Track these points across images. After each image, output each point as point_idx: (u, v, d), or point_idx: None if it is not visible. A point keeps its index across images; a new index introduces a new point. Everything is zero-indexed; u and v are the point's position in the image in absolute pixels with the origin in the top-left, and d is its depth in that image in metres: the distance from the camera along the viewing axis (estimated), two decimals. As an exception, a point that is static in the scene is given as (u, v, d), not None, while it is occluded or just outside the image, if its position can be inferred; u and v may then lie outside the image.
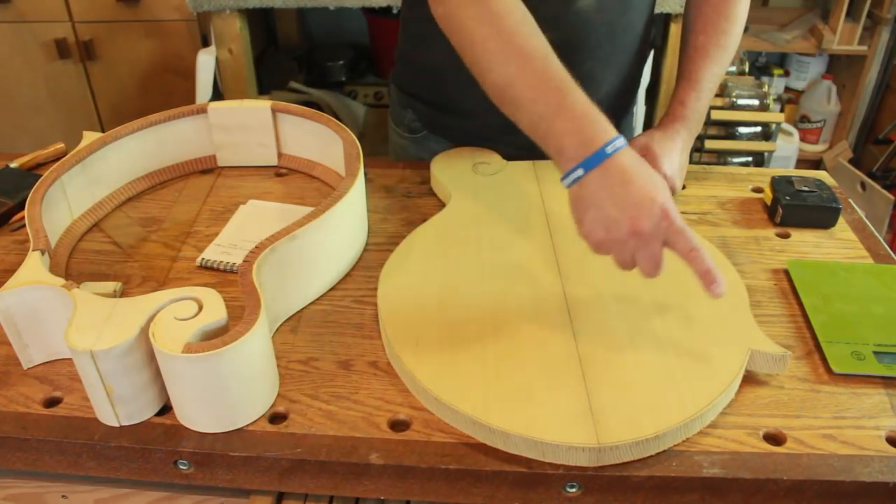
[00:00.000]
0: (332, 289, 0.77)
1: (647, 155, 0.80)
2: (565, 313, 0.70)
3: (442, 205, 0.89)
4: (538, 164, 0.93)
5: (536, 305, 0.71)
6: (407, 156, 1.07)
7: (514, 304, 0.71)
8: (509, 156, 0.95)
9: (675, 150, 0.83)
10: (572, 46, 0.88)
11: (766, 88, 1.91)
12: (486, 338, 0.67)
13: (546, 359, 0.65)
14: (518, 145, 0.86)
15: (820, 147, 2.41)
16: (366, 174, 0.90)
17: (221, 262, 0.79)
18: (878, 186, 2.09)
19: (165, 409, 0.63)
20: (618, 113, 1.02)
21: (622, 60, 0.95)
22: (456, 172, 0.91)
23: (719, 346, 0.66)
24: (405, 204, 0.91)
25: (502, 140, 0.92)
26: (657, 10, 1.70)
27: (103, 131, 0.87)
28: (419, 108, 1.03)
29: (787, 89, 2.42)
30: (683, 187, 0.94)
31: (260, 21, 2.16)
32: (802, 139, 2.38)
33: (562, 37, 0.82)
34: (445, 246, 0.79)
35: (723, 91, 1.94)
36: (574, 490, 0.59)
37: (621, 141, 0.62)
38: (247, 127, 0.93)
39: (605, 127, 0.63)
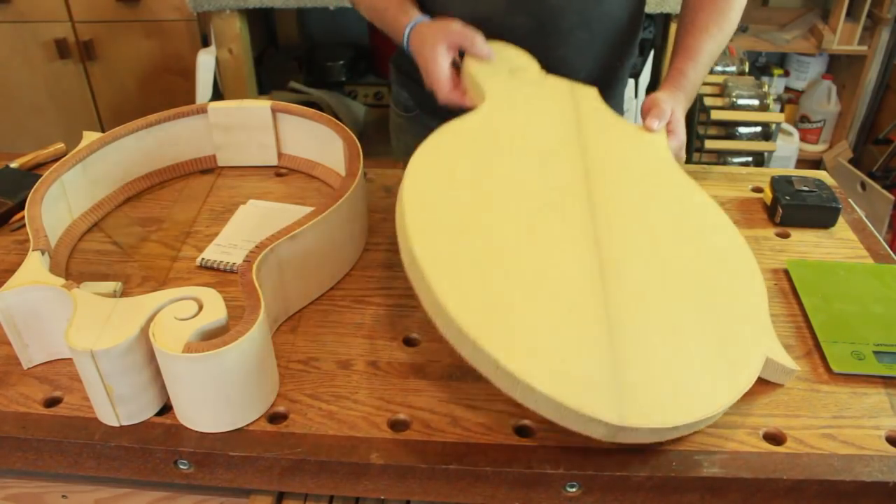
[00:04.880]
0: (332, 289, 0.77)
1: (661, 111, 0.83)
2: (597, 260, 0.65)
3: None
4: (576, 88, 0.87)
5: (569, 245, 0.66)
6: (403, 133, 1.14)
7: (546, 238, 0.65)
8: None
9: (680, 112, 0.86)
10: (545, 32, 0.91)
11: (766, 88, 1.91)
12: (515, 267, 0.61)
13: (575, 310, 0.60)
14: None
15: (820, 147, 2.41)
16: (366, 174, 0.90)
17: (221, 262, 0.79)
18: (878, 186, 2.09)
19: (165, 409, 0.63)
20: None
21: (601, 50, 0.96)
22: (492, 72, 0.85)
23: (739, 344, 0.63)
24: (405, 204, 0.91)
25: None
26: (657, 10, 1.70)
27: (103, 131, 0.87)
28: (412, 87, 1.08)
29: (787, 89, 2.42)
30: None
31: (260, 21, 2.16)
32: (802, 139, 2.38)
33: (533, 23, 0.87)
34: (478, 154, 0.72)
35: (723, 91, 1.94)
36: (574, 490, 0.59)
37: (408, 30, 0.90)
38: (247, 127, 0.93)
39: (401, 22, 0.91)
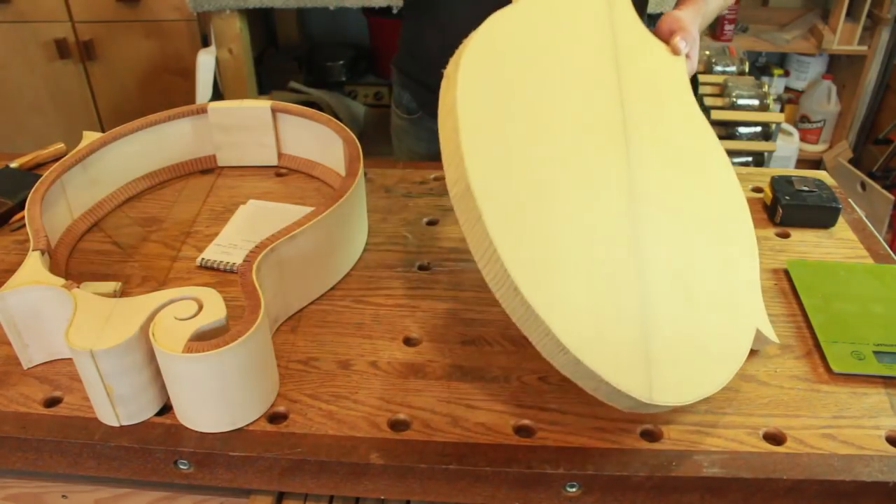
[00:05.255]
0: (332, 289, 0.77)
1: (690, 34, 0.80)
2: (630, 207, 0.62)
3: None
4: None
5: (605, 183, 0.62)
6: (405, 136, 1.14)
7: (586, 176, 0.61)
8: None
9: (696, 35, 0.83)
10: None
11: (766, 88, 1.91)
12: (562, 213, 0.58)
13: (612, 264, 0.58)
14: None
15: (820, 147, 2.41)
16: (366, 174, 0.90)
17: (221, 262, 0.79)
18: (878, 186, 2.09)
19: (165, 409, 0.63)
20: None
21: None
22: None
23: (740, 313, 0.64)
24: (405, 204, 0.91)
25: None
26: (657, 10, 1.70)
27: (103, 131, 0.87)
28: (415, 89, 1.09)
29: (787, 89, 2.42)
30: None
31: (260, 21, 2.16)
32: (802, 139, 2.38)
33: None
34: (525, 63, 0.65)
35: (723, 91, 1.94)
36: (574, 490, 0.59)
37: None
38: (247, 127, 0.93)
39: None
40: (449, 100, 0.58)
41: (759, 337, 0.66)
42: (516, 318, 0.54)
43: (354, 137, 0.84)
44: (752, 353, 0.68)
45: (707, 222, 0.68)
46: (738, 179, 0.75)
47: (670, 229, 0.64)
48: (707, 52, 2.06)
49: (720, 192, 0.72)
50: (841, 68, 2.35)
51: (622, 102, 0.68)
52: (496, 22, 0.66)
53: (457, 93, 0.58)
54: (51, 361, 0.68)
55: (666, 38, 0.80)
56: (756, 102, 1.90)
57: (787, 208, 0.87)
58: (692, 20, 0.82)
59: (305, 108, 0.91)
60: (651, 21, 1.88)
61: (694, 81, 1.93)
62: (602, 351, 0.54)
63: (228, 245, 0.82)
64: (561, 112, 0.64)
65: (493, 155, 0.56)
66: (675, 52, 0.79)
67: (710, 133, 0.76)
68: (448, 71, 0.61)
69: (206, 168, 0.96)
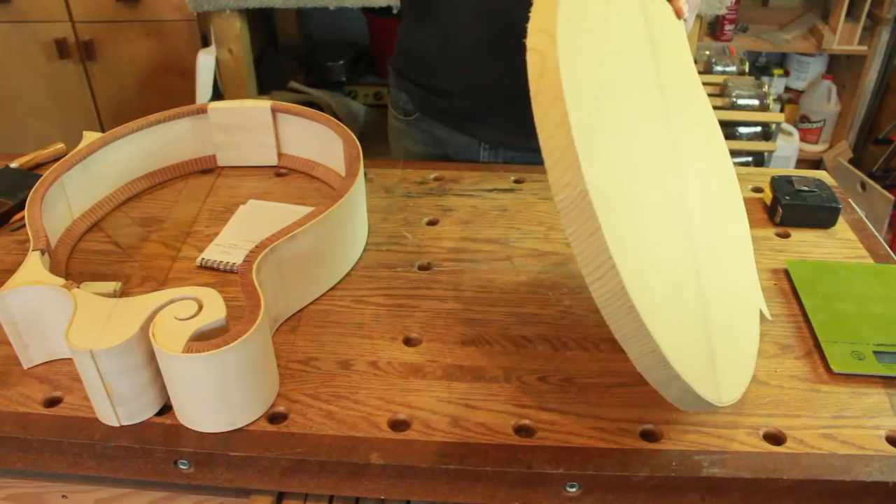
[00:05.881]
0: (332, 289, 0.77)
1: None
2: (683, 201, 0.59)
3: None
4: None
5: (664, 170, 0.59)
6: (402, 137, 1.14)
7: (651, 159, 0.57)
8: (490, 137, 1.01)
9: None
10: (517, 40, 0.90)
11: (766, 88, 1.91)
12: (653, 216, 0.54)
13: (680, 268, 0.55)
14: (497, 126, 0.92)
15: (820, 147, 2.41)
16: (366, 174, 0.90)
17: (221, 262, 0.79)
18: (878, 186, 2.09)
19: (165, 409, 0.63)
20: None
21: None
22: None
23: (752, 301, 0.65)
24: (405, 204, 0.91)
25: (485, 120, 1.01)
26: (657, 10, 1.70)
27: (103, 131, 0.87)
28: (412, 90, 1.08)
29: (787, 89, 2.42)
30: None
31: (260, 21, 2.16)
32: (802, 139, 2.38)
33: (524, 15, 0.86)
34: (596, 29, 0.58)
35: (723, 91, 1.94)
36: (574, 490, 0.59)
37: None
38: (247, 127, 0.93)
39: None
40: (548, 84, 0.49)
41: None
42: (621, 334, 0.50)
43: (354, 137, 0.84)
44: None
45: (723, 209, 0.67)
46: (725, 145, 0.73)
47: (708, 222, 0.61)
48: (707, 52, 2.06)
49: (720, 168, 0.71)
50: (841, 68, 2.35)
51: (659, 80, 0.63)
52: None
53: (561, 78, 0.48)
54: (51, 361, 0.68)
55: None
56: (756, 102, 1.90)
57: (787, 208, 0.87)
58: None
59: (305, 108, 0.91)
60: None
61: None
62: (689, 360, 0.52)
63: (228, 245, 0.82)
64: (631, 101, 0.59)
65: (605, 156, 0.50)
66: (679, 15, 0.77)
67: (706, 101, 0.74)
68: (532, 43, 0.52)
69: (206, 168, 0.96)
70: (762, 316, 0.68)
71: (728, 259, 0.64)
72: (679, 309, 0.53)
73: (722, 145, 0.74)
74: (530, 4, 0.87)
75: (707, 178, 0.64)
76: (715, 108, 1.90)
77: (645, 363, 0.51)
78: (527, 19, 0.90)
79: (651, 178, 0.56)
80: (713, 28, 2.23)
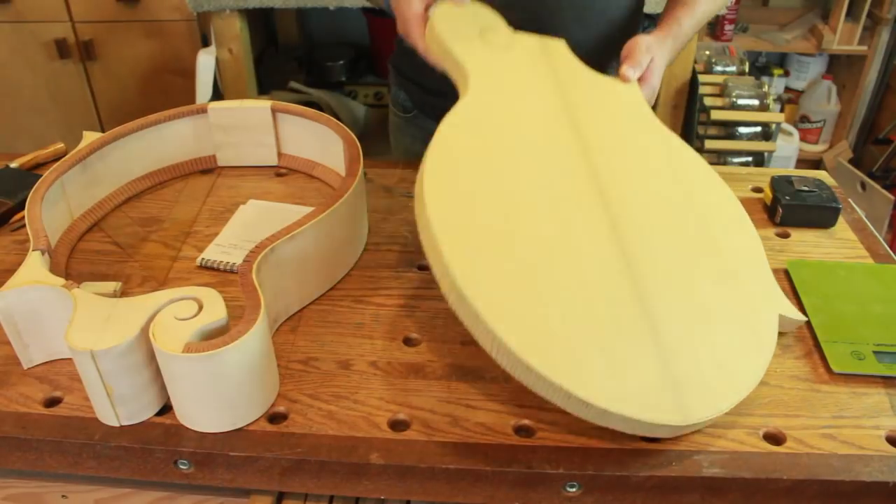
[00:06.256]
0: (332, 289, 0.77)
1: (637, 61, 0.82)
2: (623, 257, 0.64)
3: None
4: (546, 45, 0.83)
5: (596, 249, 0.64)
6: (401, 134, 1.15)
7: (576, 246, 0.64)
8: None
9: (664, 59, 0.85)
10: (540, 30, 0.91)
11: (766, 88, 1.91)
12: (549, 274, 0.60)
13: (620, 320, 0.60)
14: None
15: (820, 147, 2.41)
16: (366, 174, 0.90)
17: (221, 262, 0.79)
18: (878, 186, 2.09)
19: (165, 409, 0.63)
20: None
21: (597, 48, 0.96)
22: (462, 34, 0.79)
23: (756, 307, 0.66)
24: (405, 204, 0.91)
25: None
26: (657, 10, 1.70)
27: (103, 131, 0.87)
28: (411, 88, 1.09)
29: (787, 89, 2.42)
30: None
31: (260, 21, 2.16)
32: (802, 139, 2.38)
33: (528, 20, 0.87)
34: (486, 158, 0.68)
35: (723, 91, 1.94)
36: (574, 490, 0.59)
37: None
38: (247, 127, 0.93)
39: None
40: (423, 220, 0.61)
41: (784, 321, 0.68)
42: (538, 390, 0.56)
43: (354, 137, 0.84)
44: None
45: (698, 236, 0.69)
46: (719, 177, 0.76)
47: (666, 258, 0.65)
48: (707, 52, 2.06)
49: (702, 199, 0.73)
50: (841, 68, 2.35)
51: (586, 153, 0.72)
52: (446, 129, 0.70)
53: (428, 214, 0.61)
54: (51, 361, 0.68)
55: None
56: (756, 102, 1.90)
57: (787, 208, 0.87)
58: (652, 44, 0.84)
59: (305, 108, 0.91)
60: (651, 21, 1.88)
61: (694, 81, 1.93)
62: (627, 393, 0.56)
63: (228, 245, 0.82)
64: (530, 186, 0.67)
65: (479, 258, 0.59)
66: (624, 80, 0.81)
67: (678, 143, 0.78)
68: (416, 191, 0.64)
69: (206, 168, 0.96)
70: (790, 319, 0.68)
71: (713, 283, 0.66)
72: (614, 353, 0.58)
73: (705, 180, 0.76)
74: (523, 8, 0.89)
75: (672, 227, 0.68)
76: (715, 108, 1.90)
77: (571, 406, 0.56)
78: (518, 22, 0.92)
79: (564, 256, 0.63)
80: (713, 28, 2.22)
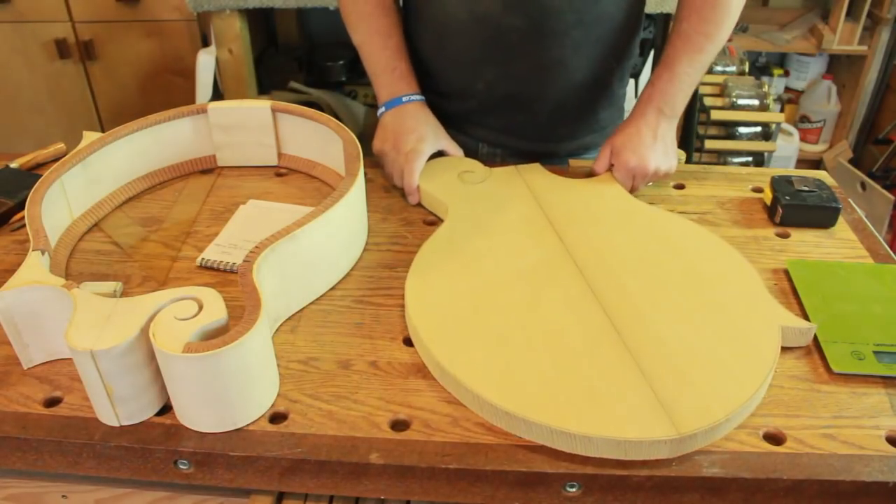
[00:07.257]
0: (332, 289, 0.77)
1: (624, 162, 0.89)
2: (598, 307, 0.70)
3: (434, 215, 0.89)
4: (521, 169, 0.94)
5: (569, 305, 0.71)
6: None
7: (547, 307, 0.71)
8: (486, 137, 1.03)
9: (648, 141, 0.90)
10: (541, 33, 0.92)
11: (766, 88, 1.91)
12: (534, 343, 0.67)
13: (597, 356, 0.65)
14: (491, 127, 0.93)
15: (820, 147, 2.41)
16: (366, 174, 0.90)
17: (221, 262, 0.79)
18: (878, 186, 2.09)
19: (165, 409, 0.63)
20: (599, 103, 1.03)
21: (598, 50, 0.96)
22: (443, 183, 0.90)
23: (752, 325, 0.68)
24: (405, 204, 0.91)
25: (480, 122, 1.03)
26: (657, 10, 1.70)
27: (103, 131, 0.87)
28: None
29: (787, 89, 2.42)
30: (680, 186, 0.94)
31: (260, 21, 2.16)
32: (802, 139, 2.38)
33: (529, 23, 0.88)
34: (462, 260, 0.77)
35: (723, 91, 1.94)
36: (574, 490, 0.59)
37: (406, 98, 0.96)
38: (247, 127, 0.93)
39: (400, 89, 0.96)
40: (408, 321, 0.71)
41: (792, 332, 0.69)
42: (538, 439, 0.60)
43: (354, 137, 0.84)
44: (796, 349, 0.70)
45: (688, 290, 0.73)
46: (702, 228, 0.83)
47: (656, 319, 0.70)
48: (707, 53, 2.05)
49: (688, 256, 0.78)
50: (841, 68, 2.35)
51: (565, 245, 0.79)
52: (433, 243, 0.79)
53: (410, 313, 0.70)
54: (51, 361, 0.68)
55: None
56: (756, 102, 1.90)
57: (787, 208, 0.87)
58: (617, 137, 0.91)
59: (305, 108, 0.91)
60: (651, 21, 1.88)
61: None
62: (619, 420, 0.59)
63: (228, 245, 0.82)
64: (509, 280, 0.74)
65: (453, 338, 0.67)
66: (593, 172, 0.93)
67: (668, 216, 0.85)
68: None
69: (206, 168, 0.96)
70: (798, 329, 0.69)
71: (710, 326, 0.69)
72: (605, 391, 0.62)
73: (690, 237, 0.81)
74: (521, 12, 0.91)
75: (662, 296, 0.73)
76: (715, 108, 1.90)
77: (569, 445, 0.59)
78: (520, 26, 0.94)
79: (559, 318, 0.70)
80: (713, 28, 2.22)
